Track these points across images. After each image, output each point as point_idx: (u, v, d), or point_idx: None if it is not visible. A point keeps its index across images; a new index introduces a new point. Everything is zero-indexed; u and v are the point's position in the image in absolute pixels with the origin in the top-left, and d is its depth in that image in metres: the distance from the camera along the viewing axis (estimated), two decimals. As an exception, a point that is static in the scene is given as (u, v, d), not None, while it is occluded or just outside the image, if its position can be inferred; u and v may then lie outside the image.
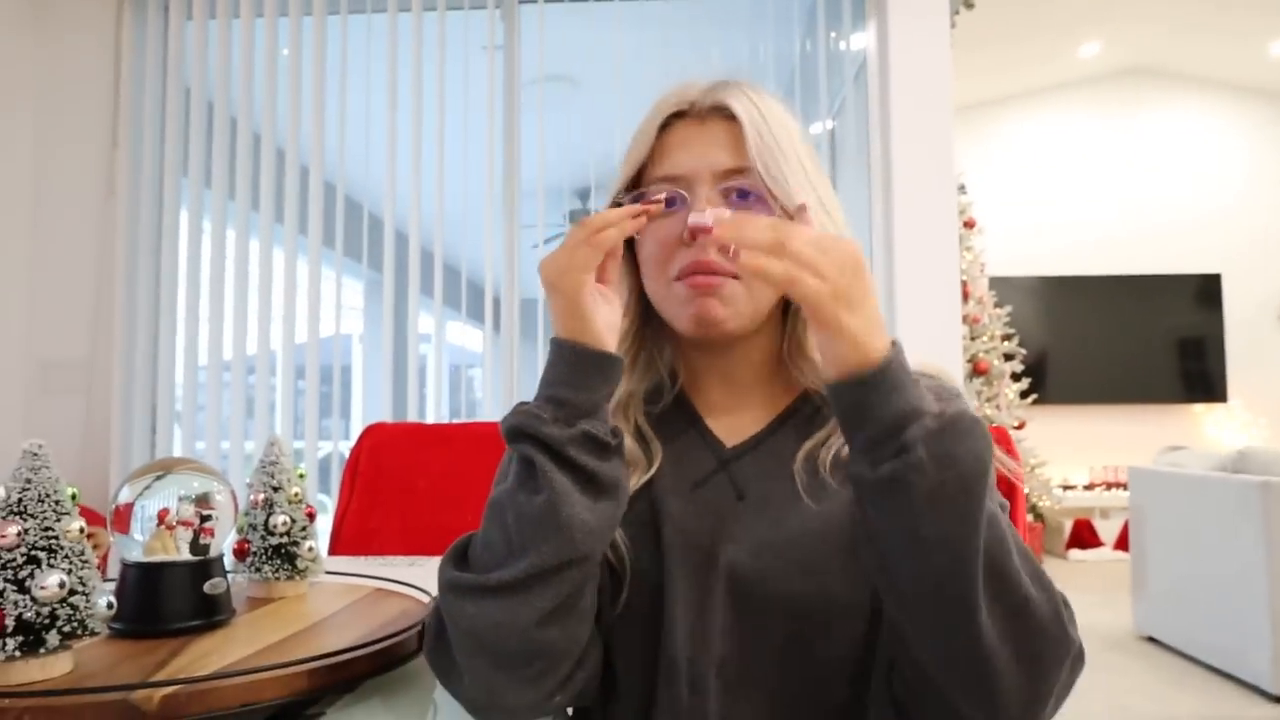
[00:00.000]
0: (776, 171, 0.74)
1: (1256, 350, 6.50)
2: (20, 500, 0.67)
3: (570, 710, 0.81)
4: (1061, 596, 0.63)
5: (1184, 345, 6.48)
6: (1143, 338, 6.46)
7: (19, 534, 0.66)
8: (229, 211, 2.86)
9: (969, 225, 5.73)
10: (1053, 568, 5.45)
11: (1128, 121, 6.70)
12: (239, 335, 2.84)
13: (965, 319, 5.46)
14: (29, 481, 0.68)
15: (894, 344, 0.61)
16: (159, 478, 0.86)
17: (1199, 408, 6.54)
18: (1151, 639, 3.61)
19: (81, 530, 0.69)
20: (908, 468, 0.56)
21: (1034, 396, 5.92)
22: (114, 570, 0.88)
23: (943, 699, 0.63)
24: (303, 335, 2.85)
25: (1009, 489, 0.99)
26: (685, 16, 2.99)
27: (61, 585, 0.66)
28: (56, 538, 0.67)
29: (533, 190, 2.89)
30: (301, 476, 1.03)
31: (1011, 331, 5.75)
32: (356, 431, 1.72)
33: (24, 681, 0.65)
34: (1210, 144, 6.65)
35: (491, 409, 2.95)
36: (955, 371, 2.82)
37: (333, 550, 1.56)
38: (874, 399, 0.59)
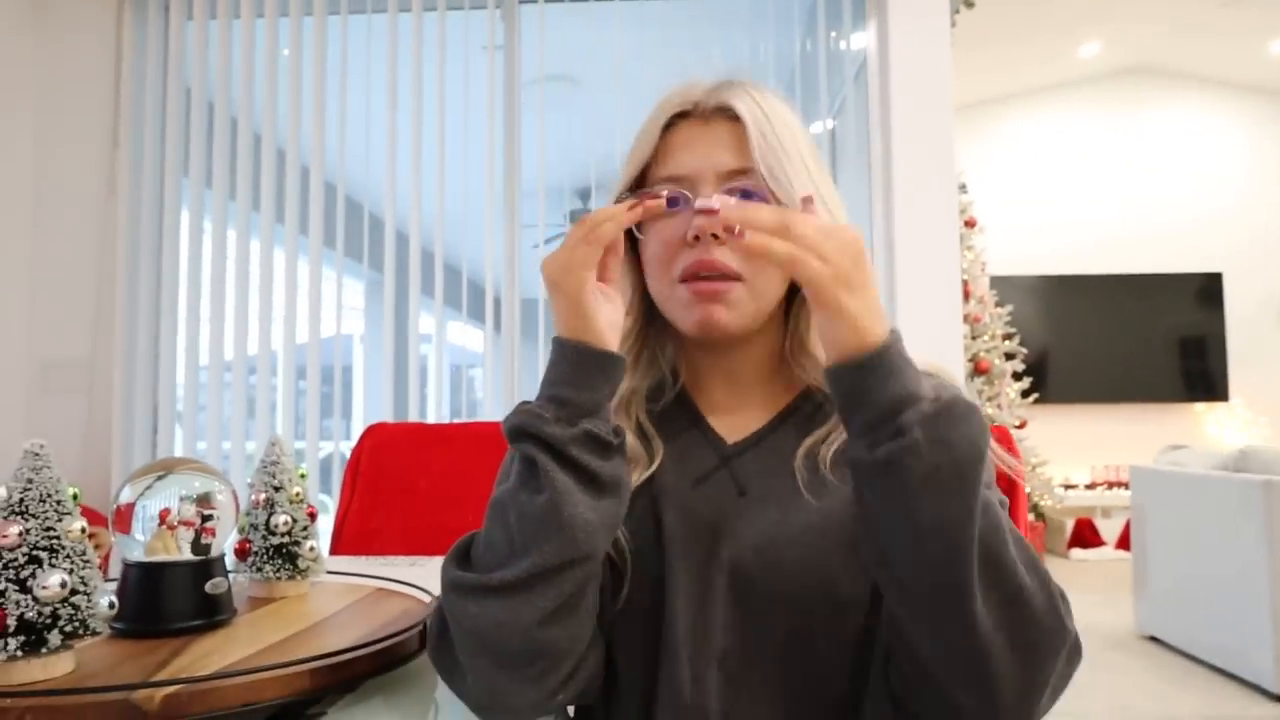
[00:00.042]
0: (780, 172, 0.75)
1: (1258, 349, 6.50)
2: (22, 500, 0.67)
3: (572, 709, 0.81)
4: (1058, 588, 0.63)
5: (1185, 344, 6.48)
6: (1144, 337, 6.45)
7: (20, 534, 0.66)
8: (230, 211, 2.86)
9: (970, 224, 5.73)
10: (1054, 567, 5.44)
11: (1128, 120, 6.70)
12: (240, 335, 2.84)
13: (966, 318, 5.46)
14: (30, 481, 0.68)
15: (893, 331, 0.62)
16: (160, 478, 0.86)
17: (1200, 407, 6.54)
18: (1153, 638, 3.60)
19: (83, 530, 0.69)
20: (903, 450, 0.57)
21: (1035, 396, 5.92)
22: (115, 570, 0.88)
23: (939, 691, 0.63)
24: (304, 335, 2.85)
25: (1010, 488, 0.99)
26: (686, 16, 2.99)
27: (63, 585, 0.66)
28: (58, 537, 0.68)
29: (533, 190, 2.89)
30: (303, 476, 1.03)
31: (1013, 331, 5.74)
32: (358, 431, 1.71)
33: (26, 681, 0.65)
34: (1211, 142, 6.65)
35: (492, 409, 2.95)
36: (956, 371, 2.81)
37: (334, 550, 1.56)
38: (871, 382, 0.60)
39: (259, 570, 0.97)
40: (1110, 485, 6.11)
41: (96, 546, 0.72)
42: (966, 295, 5.49)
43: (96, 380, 2.75)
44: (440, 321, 2.95)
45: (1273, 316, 6.53)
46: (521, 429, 0.67)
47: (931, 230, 2.59)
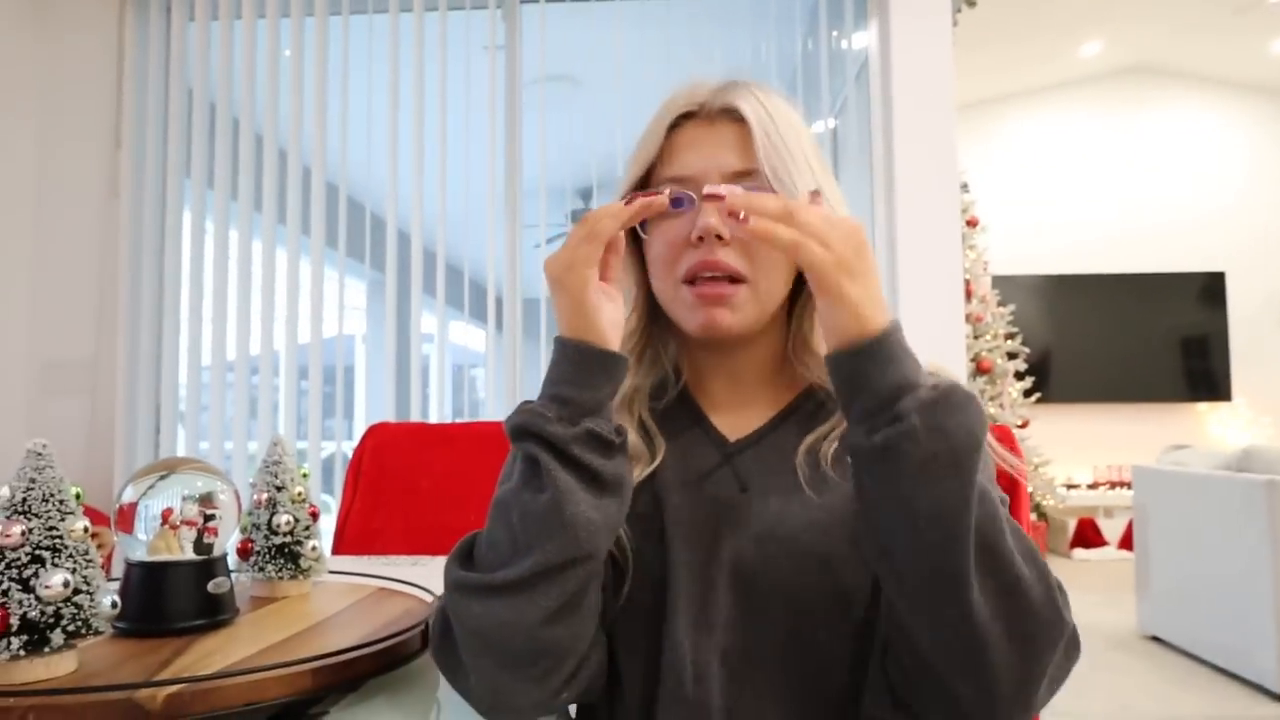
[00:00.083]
0: (784, 174, 0.75)
1: (1260, 348, 6.49)
2: (25, 500, 0.67)
3: (573, 708, 0.81)
4: (1057, 582, 0.63)
5: (1188, 344, 6.47)
6: (1146, 336, 6.45)
7: (23, 533, 0.66)
8: (232, 212, 2.86)
9: (972, 224, 5.73)
10: (1057, 567, 5.41)
11: (1130, 120, 6.69)
12: (242, 335, 2.84)
13: (968, 318, 5.45)
14: (33, 481, 0.68)
15: (894, 321, 0.62)
16: (163, 477, 0.86)
17: (1203, 406, 6.54)
18: (1156, 638, 3.60)
19: (86, 530, 0.70)
20: (901, 435, 0.58)
21: (1037, 395, 5.92)
22: (118, 570, 0.88)
23: (938, 683, 0.63)
24: (306, 335, 2.85)
25: (1012, 487, 0.99)
26: (687, 16, 2.98)
27: (66, 584, 0.66)
28: (61, 537, 0.68)
29: (535, 190, 2.89)
30: (305, 476, 1.03)
31: (1015, 330, 5.74)
32: (360, 431, 1.71)
33: (28, 680, 0.65)
34: (1212, 142, 6.64)
35: (494, 408, 2.95)
36: (959, 370, 2.81)
37: (336, 550, 1.56)
38: (870, 369, 0.61)
39: (261, 570, 0.97)
40: (1113, 485, 6.11)
41: (99, 546, 0.72)
42: (968, 295, 5.48)
43: (99, 380, 2.75)
44: (442, 321, 2.95)
45: (1275, 316, 6.52)
46: (524, 428, 0.67)
47: (933, 230, 2.59)
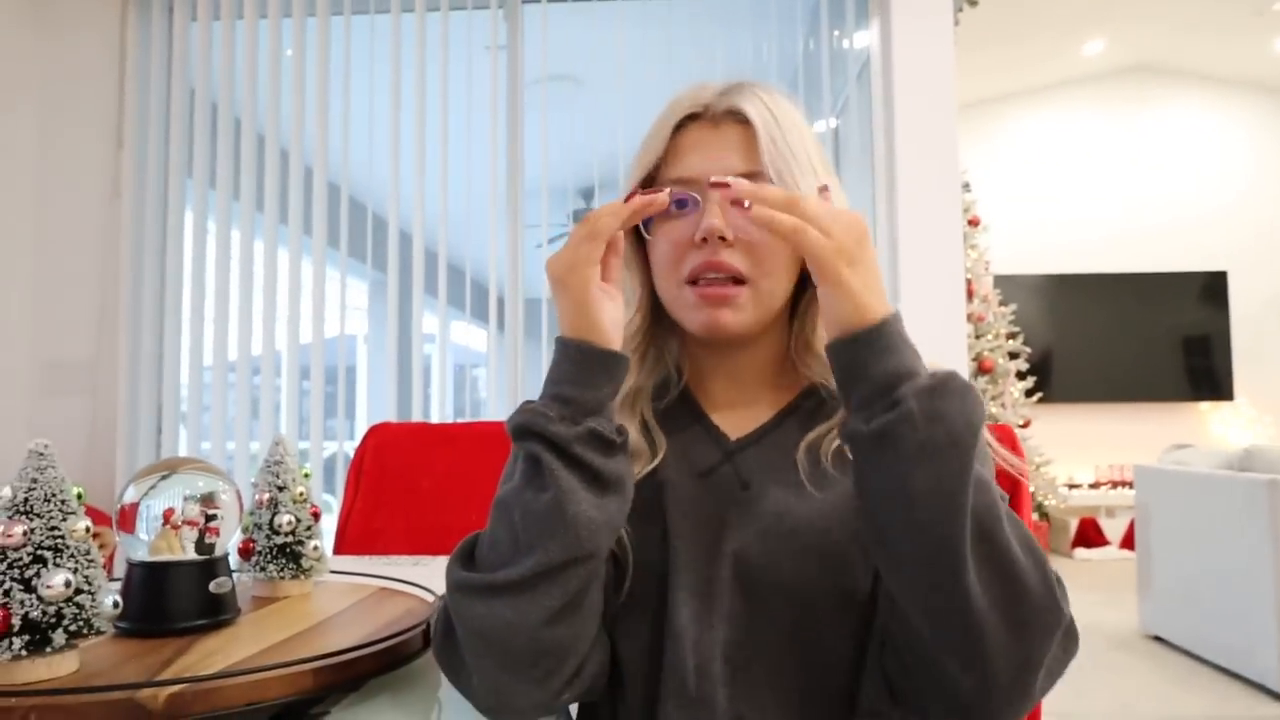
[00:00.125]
0: (788, 176, 0.76)
1: (1262, 347, 6.48)
2: (26, 500, 0.67)
3: (574, 708, 0.81)
4: (1055, 574, 0.63)
5: (1189, 343, 6.47)
6: (1148, 336, 6.44)
7: (25, 533, 0.66)
8: (233, 212, 2.87)
9: (973, 223, 5.72)
10: (1059, 566, 5.41)
11: (1132, 119, 6.69)
12: (244, 336, 2.84)
13: (970, 317, 5.45)
14: (35, 481, 0.68)
15: (895, 313, 0.64)
16: (164, 477, 0.87)
17: (1205, 406, 6.53)
18: (1158, 638, 3.60)
19: (87, 530, 0.70)
20: (899, 419, 0.59)
21: (1039, 395, 5.92)
22: (120, 570, 0.89)
23: (934, 673, 0.64)
24: (307, 335, 2.86)
25: (1014, 487, 0.99)
26: (688, 15, 2.99)
27: (67, 584, 0.66)
28: (62, 537, 0.68)
29: (536, 190, 2.89)
30: (306, 476, 1.03)
31: (1016, 330, 5.74)
32: (361, 431, 1.71)
33: (30, 680, 0.65)
34: (1215, 140, 6.63)
35: (496, 408, 2.95)
36: (960, 370, 2.81)
37: (337, 550, 1.56)
38: (868, 357, 0.62)
39: (263, 570, 0.97)
40: (1114, 485, 6.10)
41: (101, 546, 0.72)
42: (970, 294, 5.47)
43: (101, 380, 2.75)
44: (443, 321, 2.95)
45: (1277, 315, 6.51)
46: (526, 427, 0.67)
47: (935, 229, 2.59)
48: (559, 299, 0.69)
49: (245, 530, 0.99)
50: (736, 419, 0.82)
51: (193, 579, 0.83)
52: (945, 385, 0.60)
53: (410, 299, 2.84)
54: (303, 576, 0.99)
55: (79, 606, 0.67)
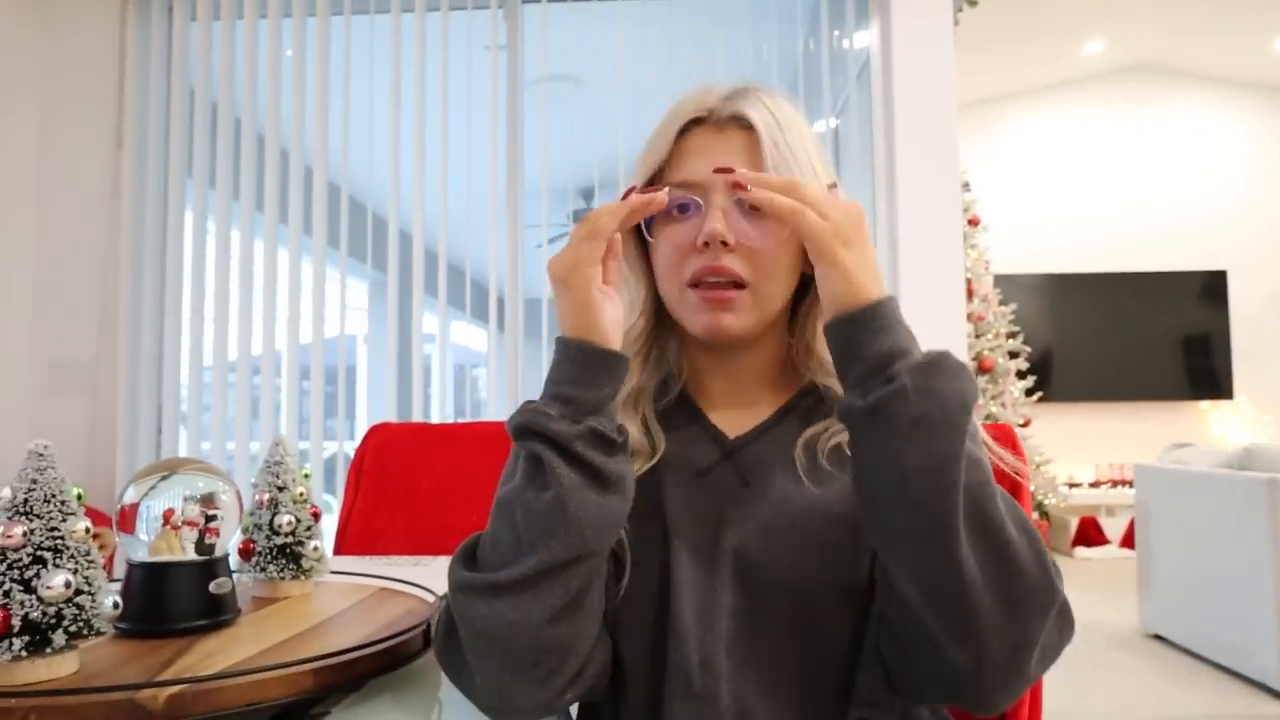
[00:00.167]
0: None
1: (1262, 346, 6.49)
2: (26, 500, 0.68)
3: (575, 708, 0.81)
4: (1052, 561, 0.64)
5: (1189, 342, 6.47)
6: (1148, 335, 6.44)
7: (25, 534, 0.66)
8: (233, 212, 2.87)
9: (973, 223, 5.72)
10: (1059, 565, 5.43)
11: (1132, 119, 6.68)
12: (244, 336, 2.84)
13: (970, 317, 5.45)
14: (35, 482, 0.68)
15: (891, 296, 0.65)
16: (164, 478, 0.87)
17: (1205, 405, 6.53)
18: (1158, 637, 3.60)
19: (87, 530, 0.70)
20: (892, 394, 0.60)
21: (1039, 394, 5.91)
22: (120, 570, 0.88)
23: (929, 653, 0.64)
24: (307, 336, 2.86)
25: (1014, 487, 0.99)
26: (689, 15, 2.99)
27: (67, 585, 0.66)
28: (62, 538, 0.68)
29: (536, 190, 2.89)
30: (306, 476, 1.03)
31: (1016, 329, 5.73)
32: (361, 431, 1.71)
33: (30, 681, 0.65)
34: (1215, 140, 6.63)
35: (496, 408, 2.95)
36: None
37: (338, 550, 1.56)
38: (863, 336, 0.64)
39: (263, 570, 0.98)
40: (1114, 484, 6.10)
41: (101, 547, 0.72)
42: (970, 294, 5.47)
43: (101, 381, 2.75)
44: (444, 321, 2.95)
45: (1277, 314, 6.51)
46: (527, 427, 0.68)
47: (935, 229, 2.59)
48: (561, 299, 0.70)
49: (245, 531, 0.99)
50: (735, 418, 0.82)
51: (193, 579, 0.83)
52: (939, 363, 0.62)
53: (410, 299, 2.84)
54: (303, 577, 0.99)
55: (79, 607, 0.67)
